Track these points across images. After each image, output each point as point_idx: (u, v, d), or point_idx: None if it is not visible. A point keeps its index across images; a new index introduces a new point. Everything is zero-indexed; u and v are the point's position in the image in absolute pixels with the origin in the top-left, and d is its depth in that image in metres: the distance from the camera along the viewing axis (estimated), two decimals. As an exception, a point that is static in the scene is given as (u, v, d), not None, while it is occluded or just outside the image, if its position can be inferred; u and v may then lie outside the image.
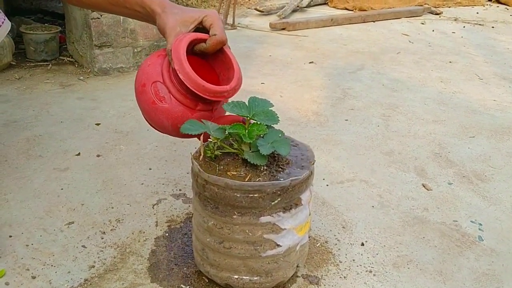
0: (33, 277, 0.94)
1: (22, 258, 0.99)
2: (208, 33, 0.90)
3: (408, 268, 1.03)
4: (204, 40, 0.90)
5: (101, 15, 2.07)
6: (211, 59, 0.97)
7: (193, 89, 0.86)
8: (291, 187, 0.81)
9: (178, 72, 0.86)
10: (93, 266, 0.98)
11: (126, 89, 2.00)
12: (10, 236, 1.05)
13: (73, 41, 2.32)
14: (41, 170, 1.32)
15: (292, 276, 0.95)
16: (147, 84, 0.91)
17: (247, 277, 0.87)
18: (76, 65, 2.26)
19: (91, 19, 2.05)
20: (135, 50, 2.21)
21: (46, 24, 2.46)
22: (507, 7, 4.76)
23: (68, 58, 2.34)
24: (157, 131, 0.98)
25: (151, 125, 0.97)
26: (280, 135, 0.87)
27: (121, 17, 2.12)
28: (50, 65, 2.24)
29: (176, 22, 0.90)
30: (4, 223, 1.09)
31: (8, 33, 2.17)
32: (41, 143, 1.47)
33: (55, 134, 1.53)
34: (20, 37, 2.35)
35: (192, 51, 0.91)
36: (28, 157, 1.38)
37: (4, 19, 1.04)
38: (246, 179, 0.81)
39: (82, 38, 2.19)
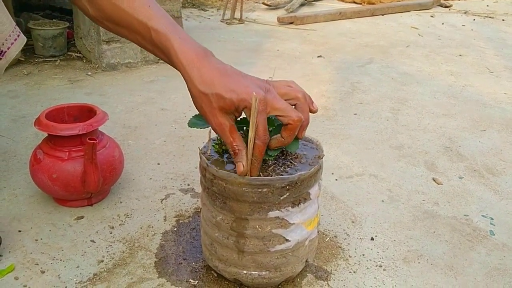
0: (42, 272, 0.94)
1: (31, 253, 0.99)
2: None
3: (419, 263, 1.02)
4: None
5: (108, 10, 2.06)
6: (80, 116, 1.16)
7: (47, 132, 1.04)
8: (299, 181, 0.81)
9: (35, 127, 1.05)
10: (102, 261, 0.98)
11: (134, 84, 2.00)
12: (19, 231, 1.05)
13: (81, 36, 2.32)
14: (50, 165, 1.32)
15: (301, 271, 0.94)
16: (31, 155, 1.10)
17: (256, 272, 0.87)
18: (84, 61, 2.27)
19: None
20: (143, 45, 2.20)
21: (54, 20, 2.47)
22: (518, -1, 4.71)
23: (76, 54, 2.34)
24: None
25: (43, 190, 1.11)
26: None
27: (129, 12, 2.11)
28: (58, 61, 2.24)
29: (217, 107, 0.71)
30: (13, 218, 1.10)
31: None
32: (50, 138, 1.47)
33: (64, 129, 1.53)
34: (28, 33, 2.35)
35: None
36: (37, 152, 1.38)
37: (19, 33, 1.04)
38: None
39: (90, 33, 2.19)
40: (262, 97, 0.70)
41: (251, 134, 0.73)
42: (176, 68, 0.75)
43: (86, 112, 1.14)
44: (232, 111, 0.72)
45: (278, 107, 0.73)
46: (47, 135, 1.09)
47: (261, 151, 0.74)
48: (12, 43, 1.01)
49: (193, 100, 0.75)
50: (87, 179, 1.05)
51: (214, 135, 0.89)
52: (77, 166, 1.05)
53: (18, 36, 1.03)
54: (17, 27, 1.04)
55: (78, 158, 1.06)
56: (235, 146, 0.74)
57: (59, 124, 1.05)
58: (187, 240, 1.05)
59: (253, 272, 0.87)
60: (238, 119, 0.85)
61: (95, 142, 1.00)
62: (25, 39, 1.07)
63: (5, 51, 1.00)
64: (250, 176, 0.77)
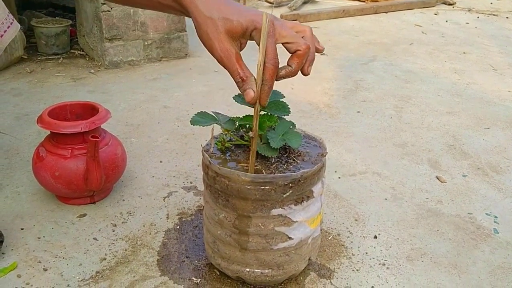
0: (45, 270, 0.94)
1: (33, 251, 0.99)
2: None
3: (422, 261, 1.01)
4: None
5: (111, 8, 2.06)
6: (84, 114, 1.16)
7: (49, 130, 1.04)
8: (302, 179, 0.80)
9: (38, 125, 1.05)
10: (105, 259, 0.98)
11: (137, 82, 1.99)
12: (22, 229, 1.05)
13: (83, 34, 2.32)
14: (53, 163, 1.32)
15: (304, 269, 0.94)
16: (33, 153, 1.11)
17: (259, 270, 0.86)
18: (87, 58, 2.27)
19: (102, 12, 2.04)
20: (146, 43, 2.20)
21: (57, 18, 2.47)
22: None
23: (79, 52, 2.34)
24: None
25: (46, 187, 1.11)
26: (291, 126, 0.86)
27: (131, 10, 2.12)
28: (61, 59, 2.24)
29: (226, 37, 0.69)
30: (16, 215, 1.10)
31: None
32: (53, 136, 1.47)
33: (66, 127, 1.53)
34: (31, 30, 2.36)
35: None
36: (40, 150, 1.38)
37: (13, 20, 1.04)
38: (257, 171, 0.80)
39: (93, 31, 2.19)
40: (272, 19, 0.67)
41: (260, 58, 0.69)
42: (181, 4, 0.70)
43: (89, 110, 1.13)
44: (239, 36, 0.69)
45: (286, 34, 0.70)
46: (49, 133, 1.10)
47: (272, 75, 0.71)
48: (5, 31, 1.01)
49: (197, 30, 0.69)
50: (89, 177, 1.05)
51: (216, 132, 0.89)
52: (80, 164, 1.05)
53: (11, 23, 1.04)
54: (10, 14, 1.04)
55: (81, 156, 1.06)
56: (241, 73, 0.70)
57: (62, 122, 1.05)
58: (190, 238, 1.05)
59: (256, 270, 0.86)
60: (241, 116, 0.85)
61: (98, 140, 1.00)
62: (19, 26, 1.08)
63: None
64: (261, 104, 0.73)
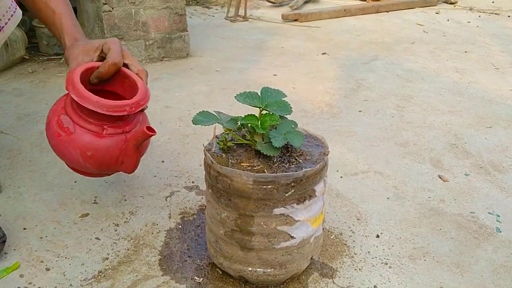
0: (47, 269, 0.94)
1: (36, 250, 0.99)
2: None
3: (425, 260, 1.01)
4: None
5: (112, 8, 2.06)
6: (119, 87, 0.98)
7: (89, 107, 0.86)
8: (304, 178, 0.80)
9: (71, 93, 0.87)
10: (107, 258, 0.98)
11: (139, 82, 1.99)
12: (24, 229, 1.06)
13: (85, 34, 2.32)
14: (55, 163, 1.32)
15: (306, 268, 0.94)
16: (52, 119, 0.93)
17: (261, 269, 0.86)
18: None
19: (103, 12, 2.05)
20: (147, 42, 2.20)
21: (58, 18, 2.46)
22: (524, -5, 4.67)
23: (80, 52, 2.34)
24: (77, 171, 0.99)
25: (67, 163, 0.98)
26: (293, 125, 0.86)
27: (133, 10, 2.12)
28: (63, 59, 2.24)
29: (79, 52, 0.95)
30: (18, 215, 1.10)
31: (21, 27, 2.18)
32: (55, 136, 1.47)
33: (68, 127, 1.53)
34: (33, 31, 2.36)
35: (91, 82, 0.94)
36: (42, 150, 1.38)
37: (16, 8, 1.05)
38: (259, 171, 0.80)
39: (94, 31, 2.19)
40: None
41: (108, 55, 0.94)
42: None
43: (120, 78, 0.97)
44: (92, 52, 0.97)
45: (130, 57, 0.99)
46: (67, 96, 0.94)
47: (110, 67, 0.93)
48: (9, 19, 1.02)
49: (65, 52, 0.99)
50: (126, 161, 0.93)
51: (218, 132, 0.89)
52: (115, 145, 0.91)
53: (15, 12, 1.04)
54: (13, 2, 1.04)
55: (116, 136, 0.91)
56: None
57: (105, 100, 0.88)
58: (192, 237, 1.05)
59: (258, 269, 0.86)
60: (243, 115, 0.85)
61: (154, 134, 0.90)
62: (21, 13, 1.08)
63: (3, 27, 1.00)
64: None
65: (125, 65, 0.96)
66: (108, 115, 0.88)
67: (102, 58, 0.95)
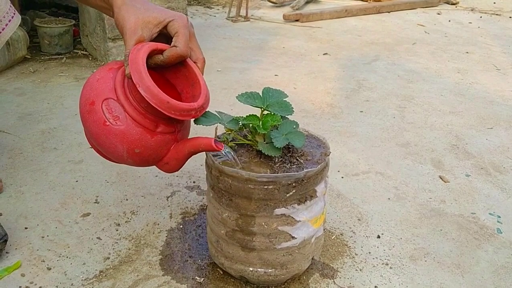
0: (49, 269, 0.94)
1: (37, 250, 0.99)
2: (170, 42, 0.79)
3: (425, 261, 1.01)
4: (163, 51, 0.79)
5: (114, 8, 2.06)
6: (171, 73, 0.85)
7: (155, 106, 0.74)
8: (306, 178, 0.80)
9: (137, 85, 0.74)
10: (108, 258, 0.98)
11: (140, 81, 1.99)
12: (26, 228, 1.06)
13: (87, 34, 2.32)
14: (56, 162, 1.32)
15: (307, 269, 0.94)
16: (96, 101, 0.78)
17: (262, 270, 0.86)
18: (90, 58, 2.27)
19: (105, 12, 2.05)
20: (149, 42, 2.20)
21: (60, 18, 2.47)
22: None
23: (82, 51, 2.35)
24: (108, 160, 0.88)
25: (99, 151, 0.87)
26: (294, 126, 0.86)
27: (135, 10, 2.11)
28: (65, 58, 2.24)
29: (138, 22, 0.79)
30: (20, 215, 1.10)
31: (22, 27, 2.18)
32: (56, 135, 1.48)
33: (70, 126, 1.53)
34: (34, 30, 2.36)
35: (147, 64, 0.77)
36: (43, 150, 1.39)
37: (14, 13, 1.04)
38: (261, 171, 0.80)
39: (96, 31, 2.19)
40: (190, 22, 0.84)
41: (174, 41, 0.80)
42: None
43: (177, 64, 0.84)
44: (152, 26, 0.81)
45: (196, 44, 0.87)
46: (119, 75, 0.81)
47: (174, 56, 0.80)
48: (6, 24, 1.01)
49: (117, 14, 0.81)
50: (171, 163, 0.84)
51: (220, 132, 0.89)
52: (165, 145, 0.82)
53: (13, 16, 1.03)
54: (12, 7, 1.03)
55: (168, 135, 0.82)
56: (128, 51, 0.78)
57: (177, 102, 0.77)
58: (193, 237, 1.05)
59: (259, 270, 0.86)
60: (244, 116, 0.85)
61: (221, 150, 0.80)
62: (20, 18, 1.06)
63: (0, 32, 1.00)
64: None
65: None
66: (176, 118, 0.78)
67: (162, 33, 0.82)
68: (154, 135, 0.80)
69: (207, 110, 0.84)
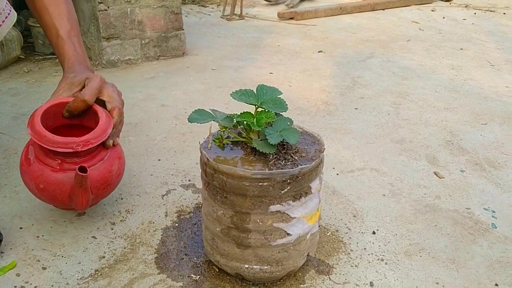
0: (44, 268, 0.94)
1: (32, 250, 0.99)
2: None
3: (421, 256, 1.01)
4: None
5: (108, 7, 2.06)
6: (92, 124, 0.98)
7: (35, 140, 0.89)
8: (300, 175, 0.81)
9: (27, 128, 0.91)
10: (103, 257, 0.98)
11: (135, 81, 1.99)
12: (21, 228, 1.05)
13: (81, 33, 2.31)
14: (51, 162, 1.32)
15: (302, 265, 0.94)
16: (24, 149, 0.98)
17: (258, 267, 0.87)
18: (85, 58, 2.26)
19: (99, 11, 2.04)
20: (143, 41, 2.20)
21: (54, 17, 2.46)
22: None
23: (76, 51, 2.34)
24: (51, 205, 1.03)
25: (30, 192, 1.00)
26: (288, 123, 0.86)
27: (128, 9, 2.11)
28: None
29: (63, 86, 0.99)
30: (15, 214, 1.10)
31: (16, 27, 2.17)
32: (51, 135, 1.47)
33: (64, 126, 1.53)
34: (28, 30, 2.35)
35: (64, 116, 0.98)
36: (38, 150, 1.38)
37: (10, 10, 1.04)
38: (255, 168, 0.80)
39: (90, 30, 2.19)
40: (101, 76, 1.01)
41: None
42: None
43: (91, 114, 0.99)
44: (75, 86, 1.00)
45: (110, 94, 1.01)
46: None
47: (78, 104, 0.97)
48: (3, 21, 1.01)
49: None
50: (74, 200, 0.93)
51: (214, 130, 0.89)
52: (68, 180, 0.92)
53: (9, 13, 1.04)
54: (8, 3, 1.04)
55: (70, 172, 0.92)
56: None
57: (52, 136, 0.90)
58: (189, 235, 1.05)
59: (255, 267, 0.86)
60: (239, 113, 0.85)
61: (86, 175, 0.88)
62: (16, 14, 1.07)
63: None
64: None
65: (102, 101, 0.99)
66: (62, 151, 0.90)
67: (100, 100, 0.99)
68: (55, 171, 0.93)
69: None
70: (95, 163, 0.95)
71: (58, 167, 0.93)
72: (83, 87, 0.98)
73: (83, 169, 0.88)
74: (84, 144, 0.91)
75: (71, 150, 0.90)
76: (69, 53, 1.04)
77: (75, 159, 0.93)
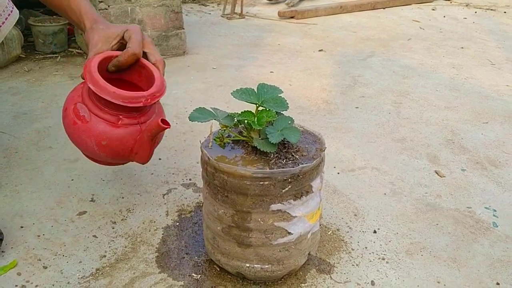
0: (45, 267, 0.94)
1: (33, 249, 0.99)
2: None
3: (422, 255, 1.01)
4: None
5: (108, 6, 2.06)
6: (135, 77, 0.96)
7: (104, 96, 0.85)
8: (301, 174, 0.80)
9: (88, 83, 0.86)
10: (104, 256, 0.98)
11: (135, 79, 1.99)
12: (22, 227, 1.05)
13: (81, 33, 2.31)
14: (51, 161, 1.32)
15: (303, 264, 0.94)
16: (68, 107, 0.92)
17: (259, 265, 0.87)
18: (85, 57, 2.26)
19: (99, 10, 2.04)
20: (143, 40, 2.19)
21: (54, 16, 2.46)
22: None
23: (76, 50, 2.34)
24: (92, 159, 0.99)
25: (82, 151, 0.97)
26: (289, 122, 0.86)
27: (129, 8, 2.11)
28: (59, 57, 2.24)
29: (99, 39, 0.93)
30: (16, 214, 1.10)
31: (16, 26, 2.17)
32: (51, 134, 1.47)
33: (65, 125, 1.53)
34: (28, 29, 2.35)
35: (109, 70, 0.93)
36: (38, 149, 1.38)
37: (13, 8, 1.04)
38: (256, 167, 0.80)
39: (90, 29, 2.18)
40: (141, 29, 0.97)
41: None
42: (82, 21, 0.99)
43: (134, 67, 0.95)
44: (112, 39, 0.95)
45: (151, 46, 0.97)
46: (84, 84, 0.93)
47: (129, 57, 0.92)
48: (6, 18, 1.01)
49: (85, 34, 0.97)
50: (140, 153, 0.92)
51: (215, 129, 0.89)
52: (130, 135, 0.91)
53: (12, 11, 1.03)
54: (10, 2, 1.03)
55: (131, 126, 0.91)
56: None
57: (123, 91, 0.87)
58: (189, 234, 1.05)
59: (256, 266, 0.86)
60: (240, 112, 0.85)
61: (168, 127, 0.88)
62: (18, 13, 1.06)
63: (0, 26, 1.00)
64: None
65: (144, 54, 0.95)
66: (124, 106, 0.87)
67: (121, 45, 0.94)
68: (117, 127, 0.90)
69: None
70: (150, 117, 0.94)
71: (119, 122, 0.90)
72: (121, 39, 0.94)
73: (164, 122, 0.87)
74: (151, 98, 0.89)
75: (140, 105, 0.87)
76: (86, 8, 0.98)
77: (134, 113, 0.91)
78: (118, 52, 0.92)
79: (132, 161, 0.96)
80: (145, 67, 0.94)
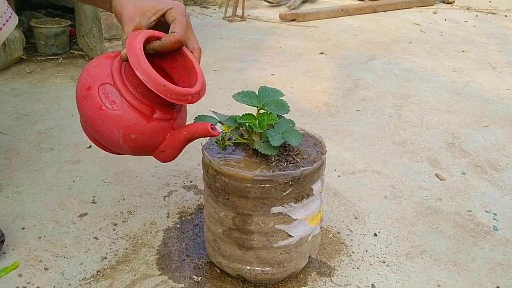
0: (46, 269, 0.94)
1: (34, 250, 0.99)
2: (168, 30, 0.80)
3: (422, 258, 1.01)
4: (160, 39, 0.79)
5: (110, 8, 2.06)
6: (167, 63, 0.85)
7: (152, 89, 0.73)
8: (302, 177, 0.81)
9: (134, 68, 0.73)
10: (105, 258, 0.98)
11: (136, 81, 1.99)
12: (23, 228, 1.06)
13: (83, 34, 2.32)
14: (53, 162, 1.32)
15: (304, 267, 0.94)
16: (93, 86, 0.78)
17: (259, 268, 0.87)
18: (87, 58, 2.27)
19: (101, 12, 2.05)
20: (145, 42, 2.20)
21: (56, 18, 2.47)
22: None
23: (78, 52, 2.34)
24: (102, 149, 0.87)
25: (95, 140, 0.85)
26: (290, 125, 0.86)
27: (131, 10, 2.11)
28: (61, 59, 2.24)
29: (136, 10, 0.79)
30: (17, 215, 1.10)
31: (18, 27, 2.18)
32: (53, 136, 1.48)
33: (66, 127, 1.53)
34: (30, 31, 2.36)
35: (144, 50, 0.77)
36: (40, 150, 1.39)
37: (12, 13, 1.04)
38: (257, 169, 0.80)
39: (92, 31, 2.19)
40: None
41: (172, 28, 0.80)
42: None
43: (174, 53, 0.83)
44: (150, 15, 0.81)
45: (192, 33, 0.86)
46: (116, 61, 0.80)
47: (173, 42, 0.80)
48: (4, 24, 1.01)
49: (115, 5, 0.82)
50: (167, 152, 0.83)
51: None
52: (161, 132, 0.81)
53: (10, 16, 1.03)
54: (9, 7, 1.03)
55: (164, 122, 0.81)
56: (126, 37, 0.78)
57: (173, 86, 0.75)
58: (190, 236, 1.05)
59: (256, 268, 0.87)
60: (241, 115, 0.85)
61: (217, 135, 0.80)
62: (17, 19, 1.06)
63: None
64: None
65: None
66: (166, 100, 0.75)
67: (160, 22, 0.82)
68: (150, 121, 0.78)
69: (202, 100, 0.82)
70: (179, 114, 0.85)
71: (154, 116, 0.79)
72: (161, 16, 0.81)
73: (213, 128, 0.79)
74: (197, 96, 0.79)
75: (187, 103, 0.78)
76: None
77: (169, 108, 0.82)
78: (162, 34, 0.80)
79: (150, 156, 0.86)
80: (184, 55, 0.82)
